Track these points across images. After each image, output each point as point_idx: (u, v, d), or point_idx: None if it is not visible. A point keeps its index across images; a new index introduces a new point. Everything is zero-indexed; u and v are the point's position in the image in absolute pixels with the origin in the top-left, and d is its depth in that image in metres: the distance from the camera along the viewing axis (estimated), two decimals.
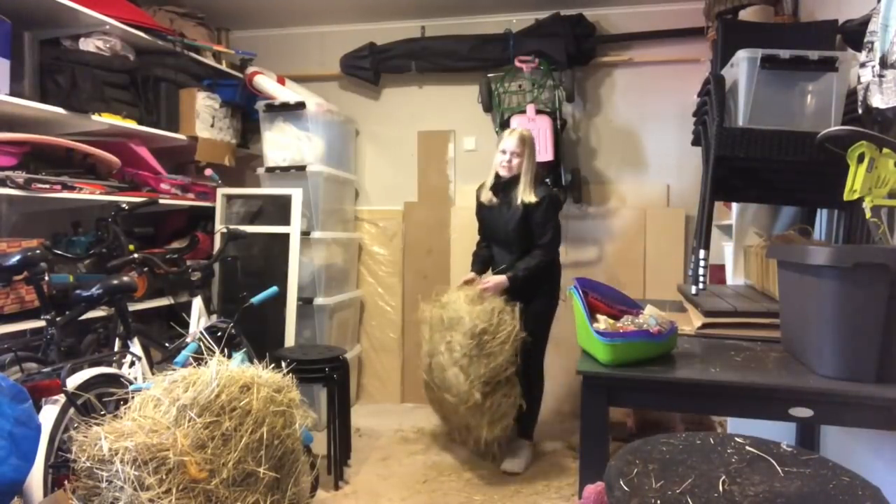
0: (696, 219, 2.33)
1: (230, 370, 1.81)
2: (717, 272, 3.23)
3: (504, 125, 3.58)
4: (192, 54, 3.58)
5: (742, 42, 2.07)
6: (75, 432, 1.64)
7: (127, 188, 3.04)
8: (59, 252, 2.66)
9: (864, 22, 1.83)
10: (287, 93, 3.83)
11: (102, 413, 1.82)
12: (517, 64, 3.68)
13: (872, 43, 1.73)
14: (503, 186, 3.07)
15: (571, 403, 3.70)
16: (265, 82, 3.82)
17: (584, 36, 3.84)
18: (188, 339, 2.70)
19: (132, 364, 2.39)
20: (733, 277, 2.92)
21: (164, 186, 3.32)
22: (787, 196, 2.41)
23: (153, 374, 2.43)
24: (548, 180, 3.47)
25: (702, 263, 2.12)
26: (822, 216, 2.49)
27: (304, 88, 4.06)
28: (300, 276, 3.57)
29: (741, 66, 1.97)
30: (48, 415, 1.78)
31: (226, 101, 3.77)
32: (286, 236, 3.57)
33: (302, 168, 3.67)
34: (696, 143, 2.50)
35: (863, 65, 1.78)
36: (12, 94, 2.52)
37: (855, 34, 1.99)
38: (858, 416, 1.44)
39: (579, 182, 3.88)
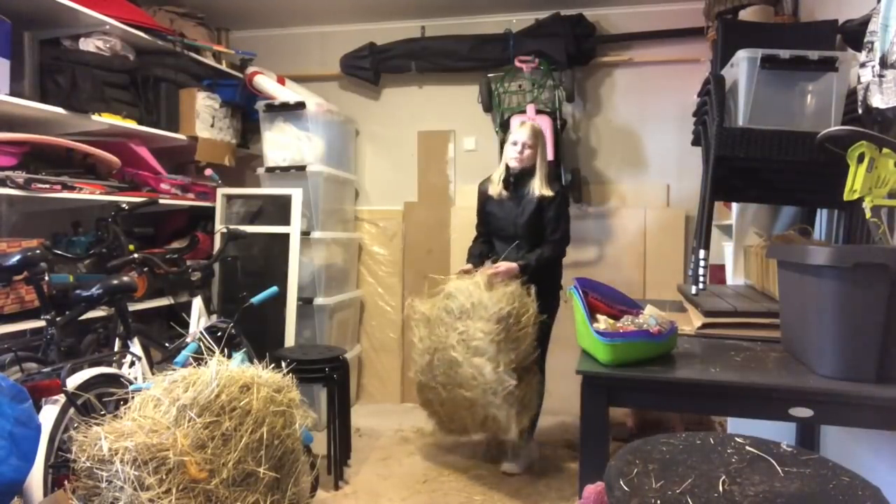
0: (696, 219, 2.32)
1: (230, 370, 1.81)
2: (717, 272, 3.23)
3: (504, 125, 3.58)
4: (192, 54, 3.58)
5: (742, 42, 2.07)
6: (75, 432, 1.64)
7: (127, 188, 3.04)
8: (59, 252, 2.66)
9: (864, 22, 1.82)
10: (287, 93, 3.83)
11: (102, 413, 1.82)
12: (517, 64, 3.68)
13: (872, 43, 1.73)
14: (515, 180, 3.02)
15: (571, 403, 3.70)
16: (265, 82, 3.82)
17: (584, 36, 3.84)
18: (188, 339, 2.70)
19: (132, 364, 2.39)
20: (733, 277, 2.92)
21: (164, 186, 3.32)
22: (787, 196, 2.41)
23: (153, 374, 2.43)
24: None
25: (702, 263, 2.12)
26: (822, 216, 2.49)
27: (304, 88, 4.06)
28: (300, 276, 3.57)
29: (741, 66, 1.97)
30: (48, 415, 1.78)
31: (226, 101, 3.77)
32: (286, 236, 3.57)
33: (302, 168, 3.67)
34: (696, 143, 2.50)
35: (863, 65, 1.78)
36: (12, 94, 2.52)
37: (855, 34, 1.99)
38: (858, 416, 1.44)
39: (579, 182, 3.88)
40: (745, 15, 2.99)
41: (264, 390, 1.82)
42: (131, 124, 3.09)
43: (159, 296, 3.19)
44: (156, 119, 3.37)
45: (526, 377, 2.80)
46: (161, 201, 3.20)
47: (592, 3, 3.87)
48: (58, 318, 2.32)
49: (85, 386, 1.93)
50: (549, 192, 2.95)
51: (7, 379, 1.58)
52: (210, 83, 3.71)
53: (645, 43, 3.91)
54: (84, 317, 2.56)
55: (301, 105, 3.70)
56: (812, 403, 1.42)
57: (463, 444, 3.34)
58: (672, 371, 1.57)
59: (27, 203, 2.74)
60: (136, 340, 2.49)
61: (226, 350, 2.15)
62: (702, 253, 2.12)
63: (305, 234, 3.64)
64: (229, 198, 3.75)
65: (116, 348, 2.48)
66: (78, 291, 2.35)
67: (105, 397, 2.00)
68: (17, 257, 2.23)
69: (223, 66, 3.91)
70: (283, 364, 2.05)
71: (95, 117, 2.85)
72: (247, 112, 3.96)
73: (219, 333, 2.47)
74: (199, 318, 2.92)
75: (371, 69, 4.17)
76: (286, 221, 3.59)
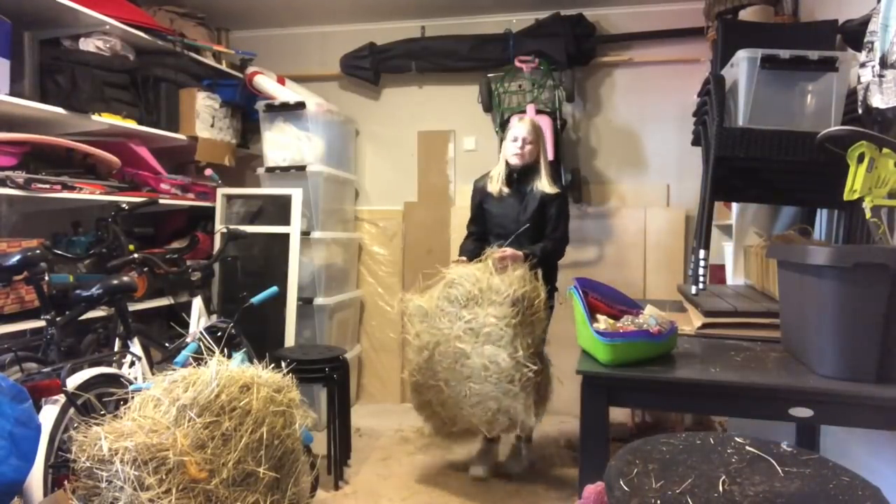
0: (696, 219, 2.33)
1: (230, 370, 1.81)
2: (717, 272, 3.23)
3: (504, 125, 3.58)
4: (192, 54, 3.58)
5: (742, 42, 2.07)
6: (75, 432, 1.64)
7: (127, 188, 3.04)
8: (59, 252, 2.66)
9: (864, 22, 1.83)
10: (287, 93, 3.83)
11: (102, 413, 1.82)
12: (517, 64, 3.68)
13: (872, 43, 1.73)
14: (517, 176, 2.96)
15: (571, 403, 3.70)
16: (265, 82, 3.82)
17: (584, 36, 3.84)
18: (188, 339, 2.70)
19: (132, 364, 2.39)
20: (733, 277, 2.92)
21: (164, 186, 3.32)
22: (787, 196, 2.41)
23: (153, 374, 2.43)
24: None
25: (702, 263, 2.12)
26: (822, 216, 2.49)
27: (304, 88, 4.06)
28: (300, 276, 3.57)
29: (741, 66, 1.97)
30: (48, 415, 1.78)
31: (226, 101, 3.77)
32: (286, 236, 3.56)
33: (302, 168, 3.67)
34: (696, 143, 2.50)
35: (863, 65, 1.78)
36: (12, 94, 2.52)
37: (855, 34, 1.99)
38: (858, 416, 1.45)
39: (579, 182, 3.88)
40: (745, 15, 2.99)
41: (264, 390, 1.82)
42: (131, 124, 3.09)
43: (159, 296, 3.19)
44: (156, 119, 3.37)
45: (539, 365, 2.62)
46: (161, 201, 3.20)
47: (592, 3, 3.87)
48: (58, 318, 2.32)
49: (85, 386, 1.93)
50: (553, 190, 2.91)
51: (7, 379, 1.58)
52: (210, 83, 3.71)
53: (645, 43, 3.91)
54: (84, 317, 2.56)
55: (301, 105, 3.69)
56: (812, 403, 1.42)
57: (463, 444, 3.33)
58: (672, 371, 1.57)
59: (27, 203, 2.73)
60: (136, 340, 2.49)
61: (226, 350, 2.15)
62: (702, 253, 2.12)
63: (305, 234, 3.64)
64: (229, 198, 3.75)
65: (116, 348, 2.48)
66: (78, 291, 2.35)
67: (105, 397, 2.00)
68: (17, 257, 2.23)
69: (223, 66, 3.91)
70: (283, 364, 2.05)
71: (95, 117, 2.85)
72: (247, 112, 3.96)
73: (219, 333, 2.47)
74: (199, 318, 2.92)
75: (371, 69, 4.17)
76: (286, 221, 3.59)
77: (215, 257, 3.28)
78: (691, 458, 1.08)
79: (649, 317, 1.73)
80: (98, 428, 1.61)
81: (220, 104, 3.74)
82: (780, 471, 1.03)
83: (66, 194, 2.67)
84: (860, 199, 1.58)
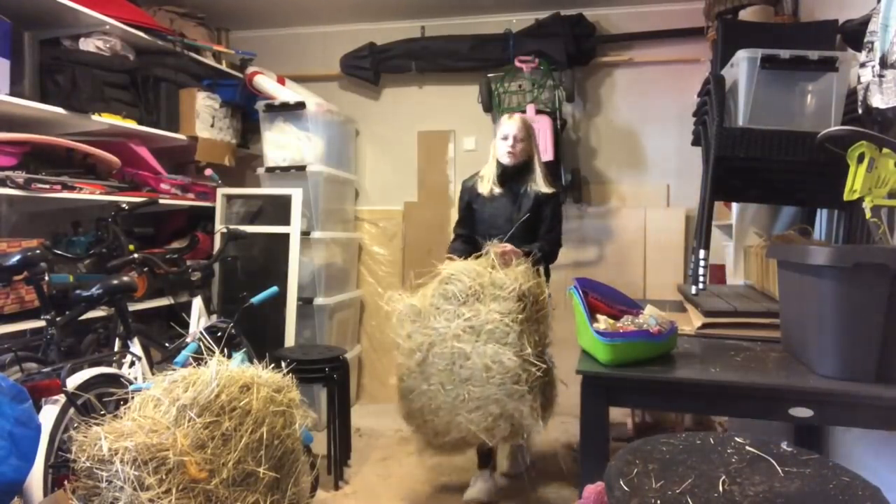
0: (696, 219, 2.32)
1: (230, 370, 1.81)
2: (717, 272, 3.23)
3: None
4: (192, 54, 3.58)
5: (742, 42, 2.07)
6: (75, 432, 1.63)
7: (127, 188, 3.04)
8: (59, 252, 2.66)
9: (864, 22, 1.82)
10: (287, 93, 3.83)
11: (102, 413, 1.82)
12: (517, 64, 3.68)
13: (872, 43, 1.73)
14: (510, 176, 2.85)
15: (571, 403, 3.69)
16: (265, 82, 3.82)
17: (584, 36, 3.84)
18: (188, 339, 2.70)
19: (132, 364, 2.39)
20: (733, 277, 2.92)
21: (164, 186, 3.32)
22: (787, 196, 2.41)
23: (153, 374, 2.43)
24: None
25: (702, 263, 2.12)
26: (822, 216, 2.49)
27: (304, 88, 4.06)
28: (300, 276, 3.57)
29: (741, 66, 1.97)
30: (48, 415, 1.78)
31: (226, 101, 3.78)
32: (286, 236, 3.56)
33: (302, 168, 3.67)
34: (696, 143, 2.50)
35: (863, 65, 1.78)
36: (12, 94, 2.52)
37: (855, 34, 1.99)
38: (858, 416, 1.45)
39: (579, 182, 3.88)
40: (745, 15, 2.99)
41: (264, 390, 1.82)
42: (131, 124, 3.09)
43: (159, 296, 3.19)
44: (156, 119, 3.37)
45: (546, 365, 2.47)
46: (161, 201, 3.20)
47: (592, 3, 3.87)
48: (58, 318, 2.32)
49: (85, 386, 1.93)
50: (549, 190, 2.82)
51: (7, 379, 1.58)
52: (210, 83, 3.71)
53: (645, 43, 3.91)
54: (84, 317, 2.56)
55: (301, 105, 3.69)
56: (812, 403, 1.42)
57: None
58: (672, 371, 1.57)
59: (27, 203, 2.74)
60: (136, 340, 2.49)
61: (226, 350, 2.15)
62: (702, 253, 2.12)
63: (305, 234, 3.64)
64: (229, 198, 3.75)
65: (116, 348, 2.48)
66: (78, 291, 2.35)
67: (105, 397, 2.00)
68: (17, 257, 2.23)
69: (223, 66, 3.91)
70: (283, 364, 2.05)
71: (95, 117, 2.85)
72: (247, 112, 3.96)
73: (219, 333, 2.47)
74: (199, 318, 2.92)
75: (371, 69, 4.17)
76: (286, 221, 3.59)
77: (215, 257, 3.28)
78: (691, 458, 1.08)
79: (649, 317, 1.74)
80: (98, 428, 1.60)
81: (220, 104, 3.74)
82: (780, 471, 1.03)
83: (66, 194, 2.67)
84: (860, 199, 1.58)
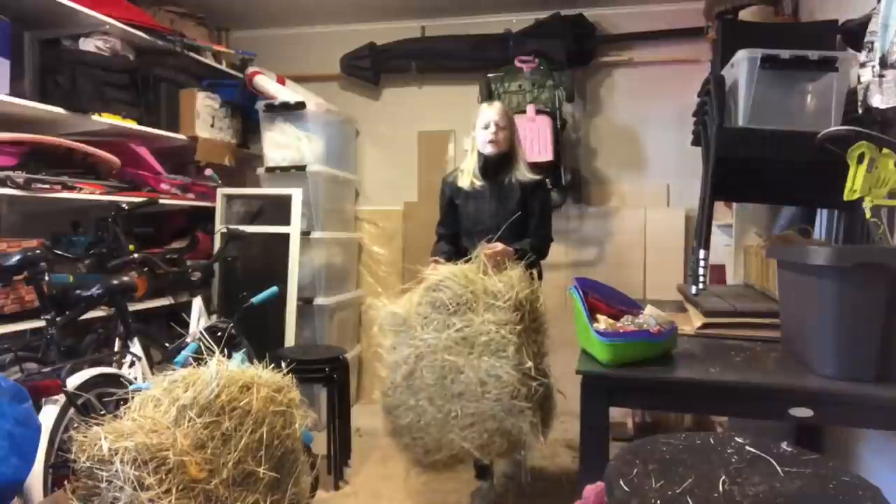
0: (696, 219, 2.32)
1: (230, 370, 1.81)
2: (717, 272, 3.23)
3: None
4: (192, 54, 3.58)
5: (742, 42, 2.07)
6: (75, 432, 1.63)
7: (127, 188, 3.04)
8: (59, 252, 2.66)
9: (864, 22, 1.82)
10: (287, 93, 3.83)
11: (102, 413, 1.82)
12: (517, 64, 3.68)
13: (872, 43, 1.73)
14: (493, 167, 2.69)
15: (571, 403, 3.69)
16: (265, 82, 3.82)
17: (584, 36, 3.84)
18: (188, 339, 2.70)
19: (132, 364, 2.39)
20: (733, 277, 2.92)
21: (164, 186, 3.31)
22: (787, 196, 2.41)
23: (153, 374, 2.43)
24: (547, 180, 3.41)
25: (702, 263, 2.12)
26: (822, 216, 2.49)
27: (304, 88, 4.06)
28: (300, 276, 3.57)
29: (741, 66, 1.97)
30: (48, 415, 1.78)
31: (226, 101, 3.78)
32: (286, 236, 3.56)
33: (302, 168, 3.67)
34: (696, 143, 2.50)
35: (863, 65, 1.78)
36: (12, 94, 2.52)
37: (855, 34, 1.98)
38: (858, 416, 1.45)
39: (579, 182, 3.88)
40: (745, 15, 2.99)
41: (264, 390, 1.82)
42: (131, 124, 3.09)
43: (159, 296, 3.19)
44: (156, 119, 3.37)
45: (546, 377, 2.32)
46: (161, 201, 3.20)
47: (592, 3, 3.87)
48: (58, 318, 2.32)
49: (85, 386, 1.93)
50: (534, 176, 2.66)
51: (7, 379, 1.58)
52: (210, 83, 3.71)
53: (645, 43, 3.91)
54: (84, 317, 2.56)
55: (301, 105, 3.69)
56: (812, 403, 1.42)
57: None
58: (672, 371, 1.58)
59: (27, 203, 2.73)
60: (136, 340, 2.49)
61: (226, 350, 2.15)
62: (702, 253, 2.12)
63: (305, 234, 3.64)
64: (229, 198, 3.75)
65: (116, 348, 2.48)
66: (78, 291, 2.35)
67: (105, 397, 2.00)
68: (17, 257, 2.23)
69: (223, 66, 3.91)
70: (283, 364, 2.05)
71: (95, 117, 2.85)
72: (247, 112, 3.96)
73: (219, 333, 2.47)
74: (199, 318, 2.92)
75: (371, 69, 4.17)
76: (286, 221, 3.58)
77: (215, 257, 3.28)
78: (691, 458, 1.08)
79: (649, 317, 1.74)
80: (98, 428, 1.60)
81: (220, 104, 3.74)
82: (780, 471, 1.03)
83: (66, 194, 2.67)
84: (860, 199, 1.58)
